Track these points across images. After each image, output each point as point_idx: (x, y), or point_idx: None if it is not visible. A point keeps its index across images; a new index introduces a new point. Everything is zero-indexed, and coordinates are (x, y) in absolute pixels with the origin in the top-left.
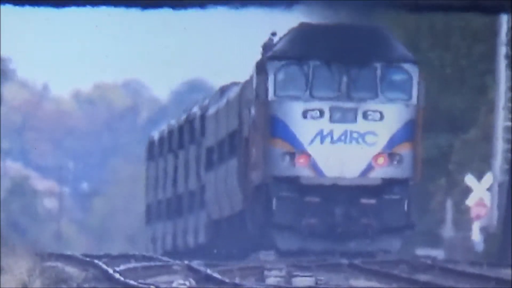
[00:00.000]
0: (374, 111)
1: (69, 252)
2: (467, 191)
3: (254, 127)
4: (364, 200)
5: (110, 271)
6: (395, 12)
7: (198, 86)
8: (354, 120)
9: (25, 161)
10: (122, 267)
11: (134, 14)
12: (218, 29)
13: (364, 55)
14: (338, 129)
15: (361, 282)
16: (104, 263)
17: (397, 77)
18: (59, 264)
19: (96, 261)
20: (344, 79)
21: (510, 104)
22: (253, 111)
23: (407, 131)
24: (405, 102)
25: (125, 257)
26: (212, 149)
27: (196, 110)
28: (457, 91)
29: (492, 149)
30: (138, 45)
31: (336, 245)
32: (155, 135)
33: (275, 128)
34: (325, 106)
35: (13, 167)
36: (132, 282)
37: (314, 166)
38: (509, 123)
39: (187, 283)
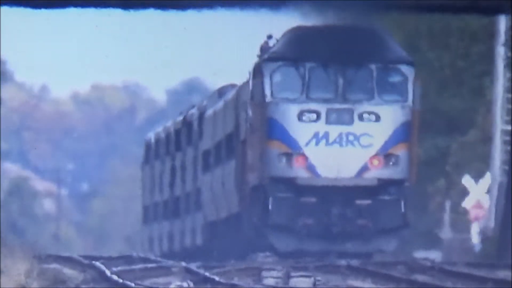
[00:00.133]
0: (370, 112)
1: (67, 254)
2: (466, 192)
3: (251, 129)
4: (359, 201)
5: (108, 272)
6: (395, 12)
7: (196, 87)
8: (350, 122)
9: (23, 162)
10: (119, 268)
11: (133, 15)
12: (217, 30)
13: (360, 57)
14: (334, 131)
15: (359, 283)
16: (102, 264)
17: (393, 78)
18: (57, 266)
19: (94, 262)
20: (340, 80)
21: (508, 106)
22: (250, 113)
23: (403, 133)
24: (401, 104)
25: (123, 258)
26: (209, 151)
27: (193, 111)
28: (455, 92)
29: (490, 150)
30: (137, 46)
31: (332, 246)
32: (152, 136)
33: (272, 130)
34: (322, 108)
35: (12, 168)
36: (129, 283)
37: (310, 167)
38: (507, 125)
39: (185, 284)
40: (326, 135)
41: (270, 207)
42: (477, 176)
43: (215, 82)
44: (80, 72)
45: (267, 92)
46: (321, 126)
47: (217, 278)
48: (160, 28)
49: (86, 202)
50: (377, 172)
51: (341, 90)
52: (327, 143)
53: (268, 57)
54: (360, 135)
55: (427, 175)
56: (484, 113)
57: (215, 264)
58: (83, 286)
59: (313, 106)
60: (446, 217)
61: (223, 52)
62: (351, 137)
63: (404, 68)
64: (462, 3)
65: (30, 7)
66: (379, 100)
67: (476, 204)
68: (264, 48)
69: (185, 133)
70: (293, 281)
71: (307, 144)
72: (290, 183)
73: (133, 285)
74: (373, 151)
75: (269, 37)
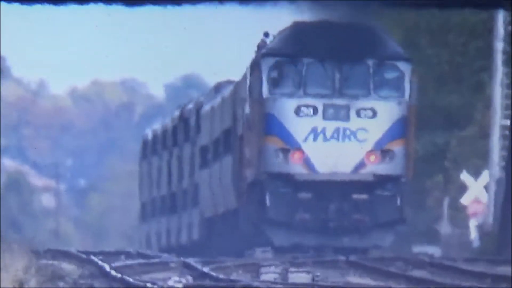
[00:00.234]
0: (366, 108)
1: (65, 249)
2: (464, 188)
3: (248, 124)
4: (356, 196)
5: (106, 267)
6: (393, 9)
7: (194, 82)
8: (347, 117)
9: (22, 158)
10: (118, 263)
11: (134, 12)
12: (215, 27)
13: (357, 53)
14: (331, 126)
15: (358, 278)
16: (100, 259)
17: (390, 74)
18: (55, 261)
19: (92, 257)
20: (337, 76)
21: (506, 101)
22: (247, 108)
23: (399, 128)
24: (398, 100)
25: (122, 254)
26: (206, 147)
27: (190, 107)
28: (454, 88)
29: (488, 146)
30: (135, 42)
31: (329, 240)
32: (149, 133)
33: (269, 125)
34: (319, 103)
35: (10, 164)
36: (128, 278)
37: (307, 163)
38: (505, 120)
39: (184, 280)
40: (324, 130)
41: (267, 202)
42: (476, 172)
43: (213, 78)
44: (78, 68)
45: (265, 87)
46: (318, 122)
47: (215, 274)
48: (158, 25)
49: (84, 197)
50: (374, 167)
51: (338, 85)
52: (325, 139)
53: (266, 53)
54: (356, 130)
55: (425, 171)
56: (483, 109)
57: (213, 260)
58: (81, 281)
59: (310, 101)
60: (445, 212)
61: (222, 49)
62: (348, 133)
63: (401, 64)
64: None
65: (27, 3)
66: (375, 96)
67: (475, 199)
68: (261, 46)
69: (182, 129)
70: (291, 277)
71: (305, 139)
72: (287, 179)
73: (131, 280)
74: (369, 146)
75: (266, 34)
